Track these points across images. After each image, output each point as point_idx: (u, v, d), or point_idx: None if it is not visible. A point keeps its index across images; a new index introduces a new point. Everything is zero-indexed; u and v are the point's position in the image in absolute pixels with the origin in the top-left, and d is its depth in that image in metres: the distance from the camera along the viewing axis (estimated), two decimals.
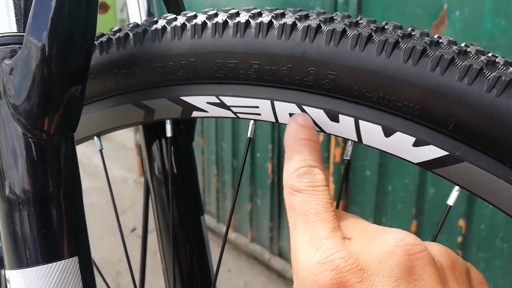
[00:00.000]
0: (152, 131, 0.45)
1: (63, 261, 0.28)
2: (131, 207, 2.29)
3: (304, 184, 0.28)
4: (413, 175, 1.10)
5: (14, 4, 0.30)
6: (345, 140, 0.30)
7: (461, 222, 1.03)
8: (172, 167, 0.44)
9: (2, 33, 0.29)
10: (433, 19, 0.99)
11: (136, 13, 0.46)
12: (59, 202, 0.29)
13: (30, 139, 0.29)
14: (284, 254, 1.60)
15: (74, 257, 0.29)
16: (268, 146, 1.51)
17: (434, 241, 0.32)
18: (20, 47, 0.29)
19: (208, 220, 1.91)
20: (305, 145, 0.30)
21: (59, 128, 0.30)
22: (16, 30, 0.30)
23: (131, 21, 0.47)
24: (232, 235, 1.77)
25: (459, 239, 1.04)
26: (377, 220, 1.22)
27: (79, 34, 0.30)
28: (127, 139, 3.02)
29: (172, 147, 0.44)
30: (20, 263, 0.28)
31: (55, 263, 0.28)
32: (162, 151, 0.45)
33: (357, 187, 1.26)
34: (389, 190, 1.18)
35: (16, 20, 0.30)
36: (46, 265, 0.28)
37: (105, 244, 1.84)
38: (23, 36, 0.29)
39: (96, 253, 1.75)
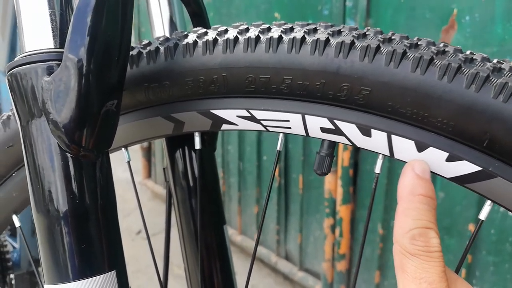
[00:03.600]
0: (176, 142, 0.45)
1: (102, 275, 0.29)
2: (136, 210, 2.29)
3: (419, 248, 0.27)
4: None
5: (51, 20, 0.30)
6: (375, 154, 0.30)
7: (471, 227, 1.03)
8: (198, 177, 0.45)
9: (40, 50, 0.30)
10: (443, 23, 0.99)
11: (159, 23, 0.46)
12: (96, 216, 0.30)
13: (68, 155, 0.29)
14: (290, 257, 1.60)
15: (113, 271, 0.29)
16: (275, 149, 1.51)
17: (465, 254, 0.32)
18: (58, 64, 0.29)
19: None
20: (423, 203, 0.28)
21: (96, 143, 0.30)
22: (53, 46, 0.30)
23: (155, 34, 0.48)
24: (238, 237, 1.77)
25: None
26: (385, 224, 1.22)
27: (116, 48, 0.30)
28: None
29: (196, 157, 0.45)
30: (60, 278, 0.28)
31: (95, 277, 0.28)
32: (186, 161, 0.45)
33: (365, 191, 1.26)
34: None
35: (53, 36, 0.30)
36: (86, 280, 0.28)
37: None
38: (60, 52, 0.30)
39: None
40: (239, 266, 1.76)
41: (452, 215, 1.07)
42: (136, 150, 2.58)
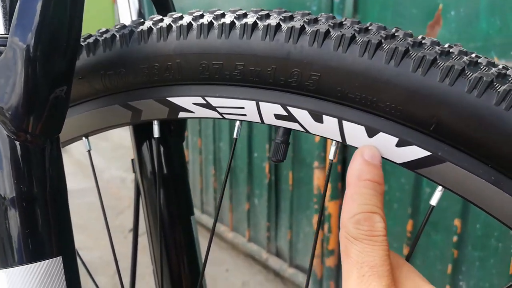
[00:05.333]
0: (141, 132, 0.45)
1: (47, 260, 0.28)
2: (129, 207, 2.29)
3: (363, 232, 0.27)
4: (410, 175, 1.10)
5: (1, 6, 0.30)
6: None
7: (457, 222, 1.03)
8: (161, 168, 0.44)
9: None
10: (429, 18, 0.99)
11: (127, 14, 0.46)
12: (44, 203, 0.29)
13: (15, 141, 0.29)
14: (281, 254, 1.60)
15: (58, 257, 0.29)
16: (265, 146, 1.51)
17: (416, 240, 0.32)
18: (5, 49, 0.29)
19: (206, 220, 1.91)
20: (369, 187, 0.28)
21: (44, 130, 0.30)
22: (3, 32, 0.30)
23: (120, 22, 0.47)
24: (229, 234, 1.77)
25: (455, 238, 1.04)
26: None
27: (64, 35, 0.30)
28: (125, 139, 3.02)
29: (162, 148, 0.44)
30: (5, 262, 0.28)
31: (38, 262, 0.28)
32: (151, 151, 0.45)
33: None
34: (385, 190, 1.18)
35: (4, 21, 0.30)
36: (30, 265, 0.28)
37: (103, 244, 1.84)
38: (7, 37, 0.29)
39: (94, 253, 1.75)
40: (230, 262, 1.75)
41: (438, 211, 1.07)
42: (129, 148, 2.58)
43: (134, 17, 0.46)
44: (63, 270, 0.29)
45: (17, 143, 0.29)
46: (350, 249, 0.27)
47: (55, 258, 0.29)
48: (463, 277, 1.07)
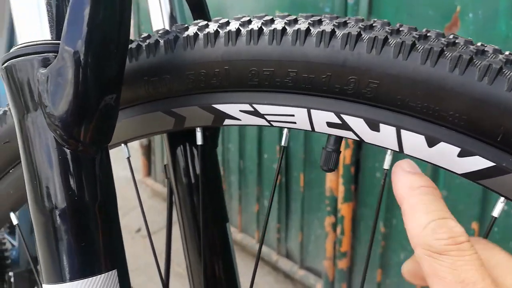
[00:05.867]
0: (178, 138, 0.44)
1: (103, 274, 0.28)
2: (136, 208, 2.28)
3: (444, 242, 0.24)
4: None
5: (47, 11, 0.29)
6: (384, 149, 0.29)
7: (474, 225, 1.02)
8: (197, 174, 0.44)
9: (36, 42, 0.28)
10: (446, 20, 0.98)
11: (159, 18, 0.45)
12: (96, 214, 0.29)
13: (66, 149, 0.28)
14: (291, 255, 1.59)
15: (114, 270, 0.28)
16: (275, 147, 1.50)
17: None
18: (54, 56, 0.28)
19: None
20: (427, 193, 0.26)
21: (95, 138, 0.29)
22: (49, 38, 0.29)
23: (153, 26, 0.47)
24: (238, 236, 1.76)
25: None
26: (388, 222, 1.21)
27: (114, 40, 0.29)
28: None
29: (198, 154, 0.44)
30: (59, 277, 0.27)
31: (95, 277, 0.27)
32: (187, 157, 0.44)
33: (367, 189, 1.25)
34: None
35: (50, 27, 0.29)
36: (86, 280, 0.27)
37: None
38: (56, 44, 0.29)
39: None
40: (240, 264, 1.74)
41: (455, 214, 1.06)
42: (136, 149, 2.57)
43: (167, 22, 0.45)
44: (118, 284, 0.28)
45: (69, 151, 0.28)
46: (439, 267, 0.23)
47: (110, 272, 0.28)
48: None
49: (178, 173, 0.44)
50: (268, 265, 1.68)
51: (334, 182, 1.29)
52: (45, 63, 0.28)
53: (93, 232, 0.28)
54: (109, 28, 0.29)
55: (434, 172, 1.07)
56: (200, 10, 0.41)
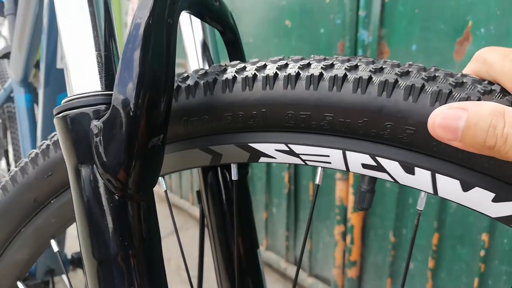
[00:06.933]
0: (212, 168, 0.45)
1: None
2: None
3: None
4: None
5: (97, 62, 0.30)
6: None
7: (484, 236, 1.03)
8: (231, 201, 0.45)
9: (88, 93, 0.30)
10: (458, 35, 0.99)
11: (193, 54, 0.46)
12: (143, 257, 0.30)
13: (116, 197, 0.29)
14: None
15: None
16: None
17: None
18: (105, 107, 0.29)
19: None
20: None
21: (143, 183, 0.30)
22: (100, 89, 0.30)
23: (189, 63, 0.48)
24: None
25: (482, 253, 1.05)
26: (397, 232, 1.23)
27: (163, 83, 0.30)
28: None
29: (230, 184, 0.45)
30: None
31: None
32: (220, 187, 0.45)
33: (376, 199, 1.26)
34: (410, 203, 1.18)
35: (99, 78, 0.30)
36: None
37: None
38: (107, 95, 0.30)
39: None
40: None
41: (465, 225, 1.08)
42: None
43: (200, 56, 0.47)
44: None
45: (118, 199, 0.29)
46: None
47: None
48: None
49: (211, 201, 0.45)
50: (277, 272, 1.69)
51: (344, 192, 1.31)
52: (97, 114, 0.29)
53: (142, 276, 0.29)
54: (158, 74, 0.30)
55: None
56: (234, 46, 0.42)
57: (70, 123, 0.29)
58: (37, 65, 1.04)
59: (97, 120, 0.29)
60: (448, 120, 0.26)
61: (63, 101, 0.30)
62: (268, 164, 1.60)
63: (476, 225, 1.05)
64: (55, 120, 0.30)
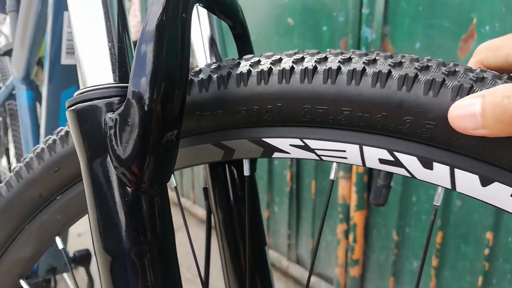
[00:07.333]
0: (220, 164, 0.45)
1: None
2: None
3: None
4: None
5: (110, 54, 0.30)
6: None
7: (488, 235, 1.03)
8: (239, 198, 0.44)
9: (101, 86, 0.29)
10: (462, 32, 0.99)
11: (201, 48, 0.46)
12: (157, 254, 0.29)
13: (130, 191, 0.29)
14: (302, 262, 1.60)
15: None
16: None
17: None
18: (119, 100, 0.29)
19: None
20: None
21: (158, 176, 0.29)
22: (113, 81, 0.30)
23: (195, 57, 0.47)
24: None
25: (486, 251, 1.04)
26: (401, 230, 1.22)
27: (177, 77, 0.29)
28: None
29: (239, 179, 0.44)
30: None
31: None
32: (228, 183, 0.45)
33: None
34: (413, 201, 1.18)
35: (112, 70, 0.30)
36: None
37: None
38: (120, 87, 0.29)
39: None
40: None
41: (469, 223, 1.07)
42: None
43: (207, 51, 0.46)
44: None
45: (132, 193, 0.29)
46: None
47: None
48: None
49: (219, 198, 0.45)
50: (279, 271, 1.68)
51: (346, 190, 1.30)
52: (111, 107, 0.29)
53: (156, 272, 0.29)
54: (173, 67, 0.29)
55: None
56: (243, 40, 0.42)
57: (83, 115, 0.28)
58: (39, 63, 1.03)
59: (112, 113, 0.28)
60: (464, 108, 0.26)
61: (75, 93, 0.29)
62: (270, 162, 1.60)
63: (481, 223, 1.05)
64: (67, 113, 0.29)
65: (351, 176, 1.28)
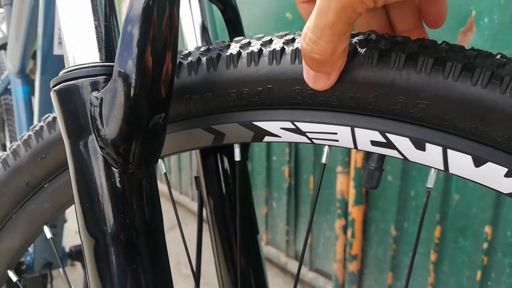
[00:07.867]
0: (211, 151, 0.44)
1: None
2: None
3: None
4: (438, 181, 1.09)
5: (97, 32, 0.29)
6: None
7: (487, 229, 1.03)
8: (230, 186, 0.44)
9: (86, 64, 0.29)
10: (461, 25, 0.98)
11: (191, 33, 0.45)
12: (144, 235, 0.29)
13: (116, 172, 0.28)
14: (300, 257, 1.59)
15: None
16: (285, 150, 1.50)
17: None
18: (104, 79, 0.28)
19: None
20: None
21: (144, 159, 0.29)
22: (99, 60, 0.29)
23: (186, 41, 0.47)
24: None
25: (485, 245, 1.04)
26: (399, 225, 1.22)
27: (164, 60, 0.29)
28: None
29: (230, 167, 0.44)
30: None
31: None
32: (219, 171, 0.44)
33: (378, 192, 1.25)
34: (412, 196, 1.17)
35: (99, 49, 0.29)
36: None
37: None
38: (106, 66, 0.29)
39: None
40: None
41: (468, 217, 1.07)
42: None
43: (199, 35, 0.45)
44: None
45: (119, 174, 0.28)
46: None
47: None
48: (492, 283, 1.06)
49: (210, 186, 0.44)
50: (277, 267, 1.68)
51: (345, 185, 1.30)
52: (96, 86, 0.28)
53: (143, 253, 0.28)
54: (159, 48, 0.29)
55: (446, 175, 1.07)
56: (235, 24, 0.41)
57: (67, 94, 0.28)
58: (34, 56, 1.03)
59: (97, 91, 0.28)
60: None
61: (60, 72, 0.29)
62: (269, 158, 1.59)
63: (479, 217, 1.04)
64: (51, 93, 0.29)
65: (349, 171, 1.27)
